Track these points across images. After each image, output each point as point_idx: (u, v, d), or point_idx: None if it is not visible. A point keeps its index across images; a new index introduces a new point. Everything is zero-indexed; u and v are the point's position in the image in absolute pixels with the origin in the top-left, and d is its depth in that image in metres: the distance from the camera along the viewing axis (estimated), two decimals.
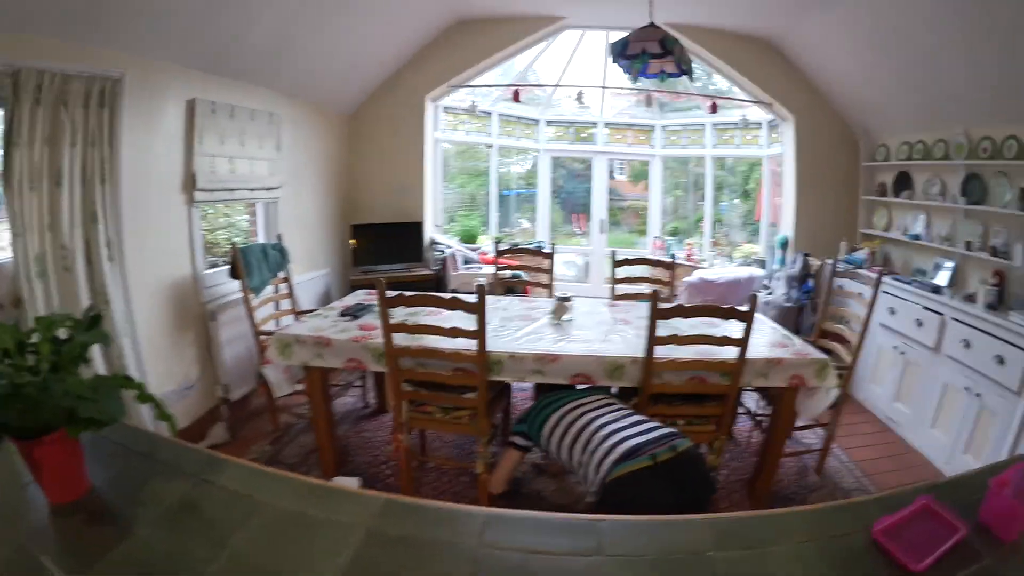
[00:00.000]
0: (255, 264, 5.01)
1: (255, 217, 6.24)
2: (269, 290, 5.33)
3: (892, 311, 5.48)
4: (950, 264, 5.25)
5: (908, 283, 5.41)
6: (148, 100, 4.35)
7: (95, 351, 3.84)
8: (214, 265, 5.46)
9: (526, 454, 3.91)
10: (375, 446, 4.99)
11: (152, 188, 4.47)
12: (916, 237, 5.79)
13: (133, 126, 4.15)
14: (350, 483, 1.88)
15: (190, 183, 4.82)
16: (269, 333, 4.54)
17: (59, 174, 3.60)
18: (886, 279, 5.54)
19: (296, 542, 1.51)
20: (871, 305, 4.40)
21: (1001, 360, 4.15)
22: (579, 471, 3.30)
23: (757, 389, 4.57)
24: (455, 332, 3.61)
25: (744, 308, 3.57)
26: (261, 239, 6.17)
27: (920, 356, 5.11)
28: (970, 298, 4.74)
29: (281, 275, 5.44)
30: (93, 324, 1.70)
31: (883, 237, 6.48)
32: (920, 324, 5.06)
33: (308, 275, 6.79)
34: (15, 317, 3.46)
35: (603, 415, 3.41)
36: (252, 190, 5.64)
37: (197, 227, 4.97)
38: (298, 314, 5.40)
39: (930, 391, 4.94)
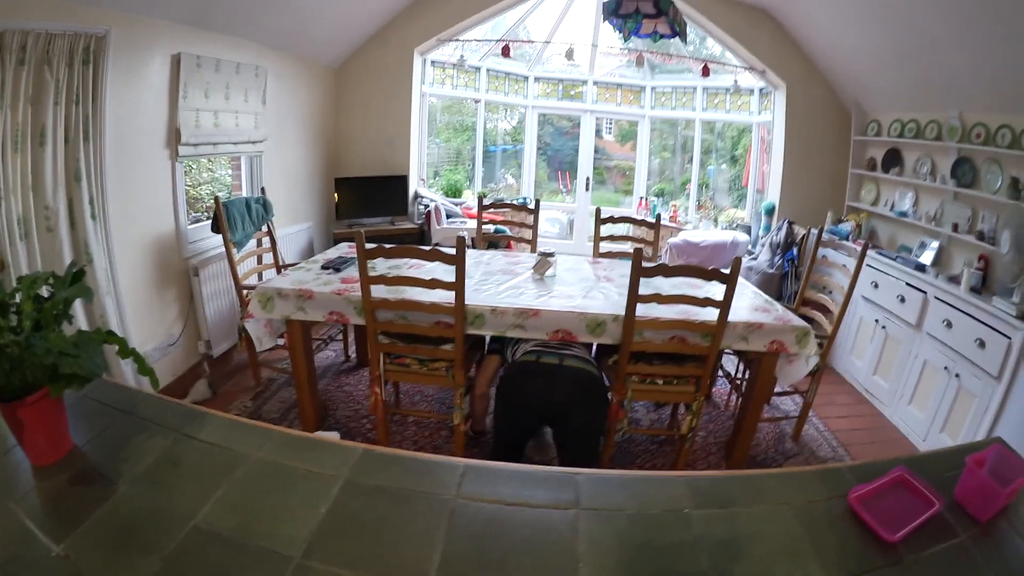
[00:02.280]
0: (238, 218, 4.99)
1: (239, 171, 6.19)
2: (252, 244, 5.33)
3: (875, 285, 5.50)
4: (935, 244, 5.28)
5: (893, 258, 5.42)
6: (133, 56, 4.27)
7: (78, 310, 3.84)
8: (197, 220, 5.44)
9: (503, 361, 4.16)
10: (356, 400, 5.02)
11: (136, 144, 4.41)
12: (903, 214, 5.81)
13: (117, 82, 4.08)
14: (330, 437, 1.89)
15: (174, 138, 4.76)
16: (252, 287, 4.54)
17: (43, 134, 3.55)
18: (871, 252, 5.56)
19: (276, 494, 1.53)
20: (855, 276, 4.44)
21: (982, 344, 4.18)
22: None
23: (737, 353, 4.60)
24: (434, 284, 3.62)
25: (727, 271, 3.58)
26: (245, 193, 6.12)
27: (901, 332, 5.14)
28: (954, 279, 4.75)
29: (264, 229, 5.42)
30: (75, 280, 1.69)
31: (870, 211, 6.49)
32: (903, 300, 5.08)
33: (291, 228, 6.77)
34: None
35: (535, 346, 3.85)
36: (236, 144, 5.58)
37: (180, 182, 4.91)
38: (280, 268, 5.39)
39: (909, 367, 4.98)
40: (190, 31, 4.82)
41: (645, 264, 3.54)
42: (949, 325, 4.52)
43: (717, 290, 3.72)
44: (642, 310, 3.67)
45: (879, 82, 6.16)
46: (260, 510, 1.46)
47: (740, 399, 4.59)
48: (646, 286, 3.68)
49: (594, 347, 4.39)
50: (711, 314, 3.67)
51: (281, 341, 4.36)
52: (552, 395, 3.63)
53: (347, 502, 1.51)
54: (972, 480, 1.55)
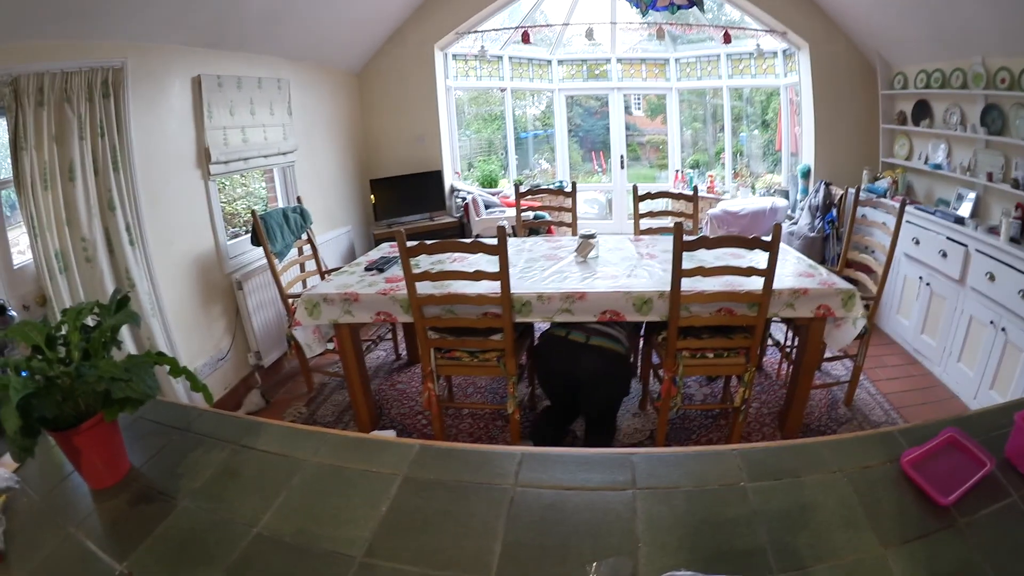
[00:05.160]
0: (276, 229, 5.04)
1: (273, 183, 6.25)
2: (293, 253, 5.38)
3: (916, 241, 5.35)
4: (972, 195, 5.11)
5: (931, 213, 5.27)
6: (153, 83, 4.33)
7: (125, 335, 3.90)
8: (236, 235, 5.52)
9: None
10: (409, 397, 5.07)
11: (167, 168, 4.48)
12: (937, 166, 5.63)
13: (141, 110, 4.15)
14: (387, 436, 1.91)
15: (204, 158, 4.83)
16: (297, 295, 4.58)
17: (71, 169, 3.61)
18: (909, 208, 5.41)
19: (336, 496, 1.55)
20: (895, 234, 4.36)
21: None
22: None
23: (785, 320, 4.56)
24: (479, 275, 3.65)
25: (768, 238, 3.53)
26: (281, 204, 6.18)
27: (945, 288, 5.00)
28: (993, 230, 4.60)
29: (304, 237, 5.47)
30: (120, 307, 1.71)
31: (904, 166, 6.33)
32: (944, 255, 4.92)
33: (331, 234, 6.83)
34: (42, 315, 3.47)
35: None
36: (267, 157, 5.63)
37: (215, 200, 4.98)
38: (324, 274, 5.44)
39: (956, 324, 4.85)
40: (207, 52, 4.87)
41: (686, 237, 3.51)
42: (992, 278, 4.38)
43: (760, 258, 3.67)
44: (687, 284, 3.65)
45: (898, 33, 5.99)
46: (321, 513, 1.49)
47: (791, 367, 4.55)
48: (689, 260, 3.65)
49: (643, 325, 4.38)
50: (756, 283, 3.64)
51: (331, 345, 4.40)
52: (575, 371, 3.85)
53: (407, 498, 1.53)
54: (1021, 437, 1.51)
